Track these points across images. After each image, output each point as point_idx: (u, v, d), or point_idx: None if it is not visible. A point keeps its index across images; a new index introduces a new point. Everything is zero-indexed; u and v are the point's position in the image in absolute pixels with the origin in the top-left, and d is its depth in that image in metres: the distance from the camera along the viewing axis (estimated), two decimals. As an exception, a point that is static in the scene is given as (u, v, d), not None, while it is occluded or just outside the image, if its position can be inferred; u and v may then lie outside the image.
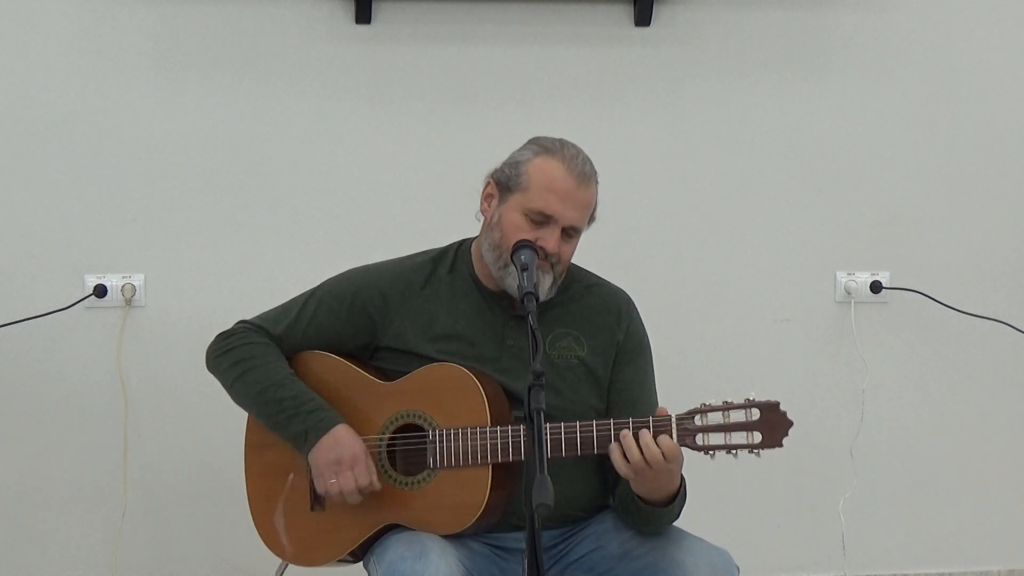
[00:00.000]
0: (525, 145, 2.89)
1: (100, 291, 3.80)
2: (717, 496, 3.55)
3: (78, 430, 3.84)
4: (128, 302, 3.81)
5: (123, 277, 3.82)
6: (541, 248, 2.79)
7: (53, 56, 3.76)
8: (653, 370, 3.01)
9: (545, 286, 2.80)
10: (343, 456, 2.80)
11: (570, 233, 2.84)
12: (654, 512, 2.76)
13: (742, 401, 2.67)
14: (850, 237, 4.08)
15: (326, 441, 2.82)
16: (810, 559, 4.15)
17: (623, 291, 3.03)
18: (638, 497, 2.74)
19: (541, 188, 2.81)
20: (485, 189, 2.92)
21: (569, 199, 2.80)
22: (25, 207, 3.78)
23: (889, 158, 4.07)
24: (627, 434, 2.66)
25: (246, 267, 3.85)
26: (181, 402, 3.83)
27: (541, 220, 2.80)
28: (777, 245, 4.06)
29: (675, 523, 2.83)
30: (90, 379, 3.83)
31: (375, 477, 2.81)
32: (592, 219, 2.91)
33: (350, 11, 3.83)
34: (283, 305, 3.02)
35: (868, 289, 4.07)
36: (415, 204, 3.87)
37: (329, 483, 2.81)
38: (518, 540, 2.77)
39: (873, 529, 4.15)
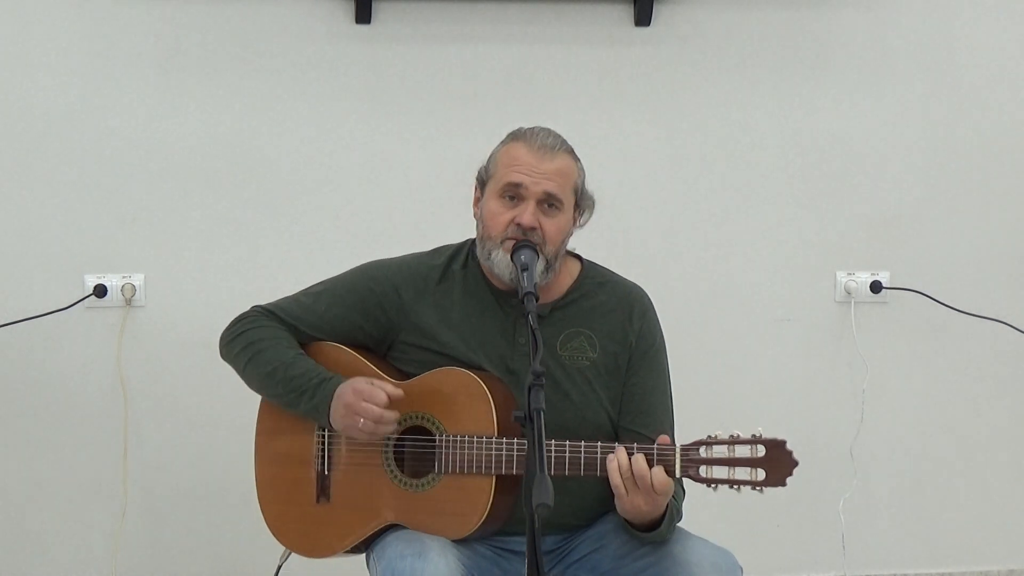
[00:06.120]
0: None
1: (100, 291, 3.80)
2: (717, 496, 3.52)
3: (78, 430, 3.84)
4: (128, 302, 3.81)
5: (123, 277, 3.82)
6: (519, 225, 2.79)
7: (53, 56, 3.76)
8: (668, 374, 2.94)
9: (538, 270, 2.78)
10: (348, 401, 2.77)
11: (549, 203, 2.82)
12: (640, 535, 2.75)
13: (749, 436, 2.65)
14: (850, 237, 4.08)
15: (335, 405, 2.80)
16: (810, 559, 4.15)
17: (639, 288, 2.97)
18: (624, 519, 2.73)
19: (505, 167, 2.83)
20: (475, 193, 2.94)
21: (533, 168, 2.80)
22: (25, 207, 3.78)
23: (889, 158, 4.07)
24: (622, 455, 2.64)
25: (246, 267, 3.85)
26: (181, 402, 3.83)
27: (513, 196, 2.81)
28: (777, 245, 4.05)
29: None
30: (90, 379, 3.83)
31: (386, 386, 2.76)
32: (585, 196, 2.87)
33: (350, 11, 3.82)
34: (297, 294, 3.01)
35: (868, 289, 4.07)
36: (415, 204, 3.87)
37: (360, 428, 2.77)
38: (521, 543, 2.76)
39: (873, 529, 4.15)
